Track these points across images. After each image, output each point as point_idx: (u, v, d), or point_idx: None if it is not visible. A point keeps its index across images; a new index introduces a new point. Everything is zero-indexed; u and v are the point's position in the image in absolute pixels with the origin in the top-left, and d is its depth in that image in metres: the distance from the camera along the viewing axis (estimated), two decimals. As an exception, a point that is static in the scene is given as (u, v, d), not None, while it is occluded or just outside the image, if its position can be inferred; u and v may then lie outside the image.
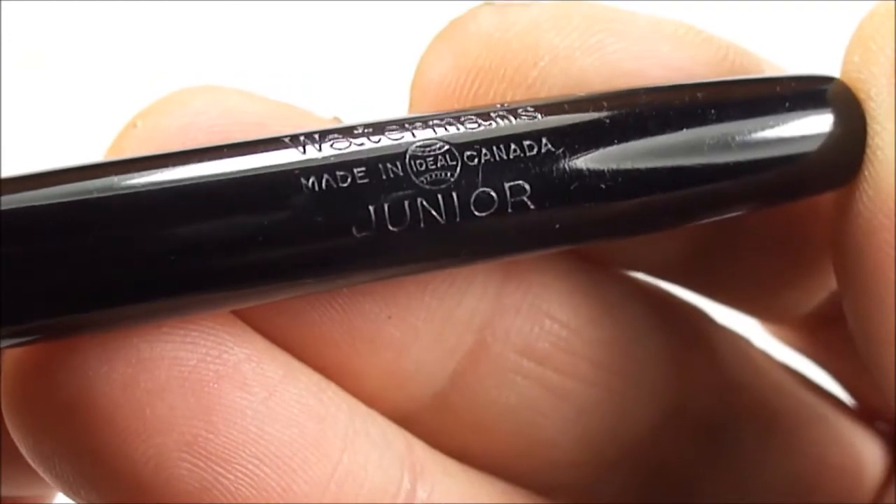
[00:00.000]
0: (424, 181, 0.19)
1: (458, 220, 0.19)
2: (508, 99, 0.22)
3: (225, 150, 0.18)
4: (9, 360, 0.20)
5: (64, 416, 0.19)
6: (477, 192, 0.19)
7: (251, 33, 0.58)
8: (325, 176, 0.18)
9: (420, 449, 0.23)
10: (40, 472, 0.20)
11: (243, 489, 0.19)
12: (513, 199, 0.19)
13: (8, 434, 0.20)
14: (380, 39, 0.56)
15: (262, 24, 0.58)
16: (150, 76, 0.54)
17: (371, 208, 0.18)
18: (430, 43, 0.22)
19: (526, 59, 0.22)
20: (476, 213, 0.19)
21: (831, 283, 0.26)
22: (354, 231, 0.18)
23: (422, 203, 0.19)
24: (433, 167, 0.19)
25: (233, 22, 0.58)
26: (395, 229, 0.19)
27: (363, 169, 0.19)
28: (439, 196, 0.19)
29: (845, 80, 0.22)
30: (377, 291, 0.21)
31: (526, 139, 0.19)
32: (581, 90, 0.21)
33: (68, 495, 0.20)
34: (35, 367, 0.19)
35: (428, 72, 0.22)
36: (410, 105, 0.23)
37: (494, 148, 0.19)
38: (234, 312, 0.20)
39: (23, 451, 0.20)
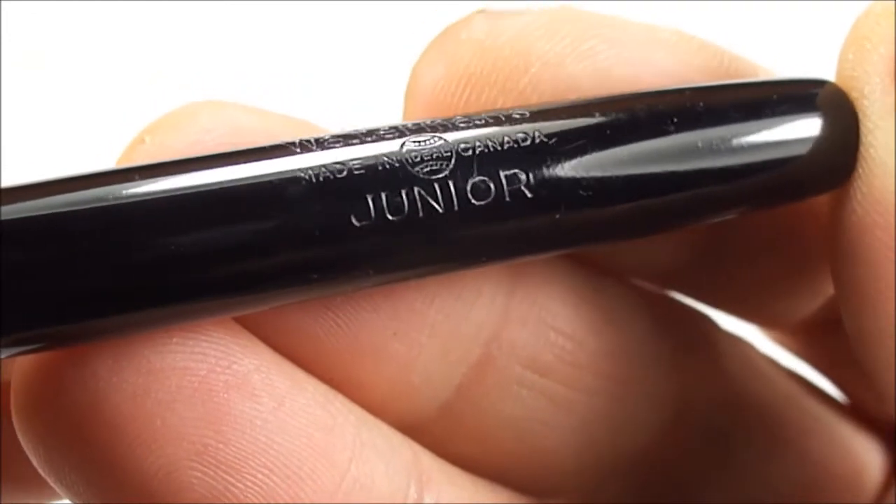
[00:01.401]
0: (420, 171, 0.19)
1: (456, 209, 0.19)
2: (499, 106, 0.22)
3: (224, 156, 0.19)
4: (19, 371, 0.20)
5: (74, 427, 0.19)
6: (473, 180, 0.19)
7: (251, 34, 0.58)
8: (323, 169, 0.19)
9: (426, 458, 0.23)
10: (50, 481, 0.20)
11: (252, 498, 0.20)
12: (510, 188, 0.19)
13: (10, 441, 0.20)
14: (379, 41, 0.56)
15: (261, 24, 0.58)
16: (150, 76, 0.54)
17: (369, 198, 0.19)
18: (424, 50, 0.23)
19: (517, 66, 0.22)
20: (474, 202, 0.19)
21: (828, 288, 0.26)
22: (354, 220, 0.19)
23: (419, 192, 0.19)
24: (428, 158, 0.19)
25: (232, 22, 0.58)
26: (394, 219, 0.19)
27: (359, 161, 0.19)
28: (436, 185, 0.19)
29: (840, 79, 0.22)
30: (382, 307, 0.21)
31: (519, 132, 0.20)
32: (572, 97, 0.21)
33: None
34: (45, 378, 0.19)
35: (421, 78, 0.22)
36: (404, 112, 0.23)
37: (488, 140, 0.20)
38: (241, 324, 0.20)
39: (33, 460, 0.20)
